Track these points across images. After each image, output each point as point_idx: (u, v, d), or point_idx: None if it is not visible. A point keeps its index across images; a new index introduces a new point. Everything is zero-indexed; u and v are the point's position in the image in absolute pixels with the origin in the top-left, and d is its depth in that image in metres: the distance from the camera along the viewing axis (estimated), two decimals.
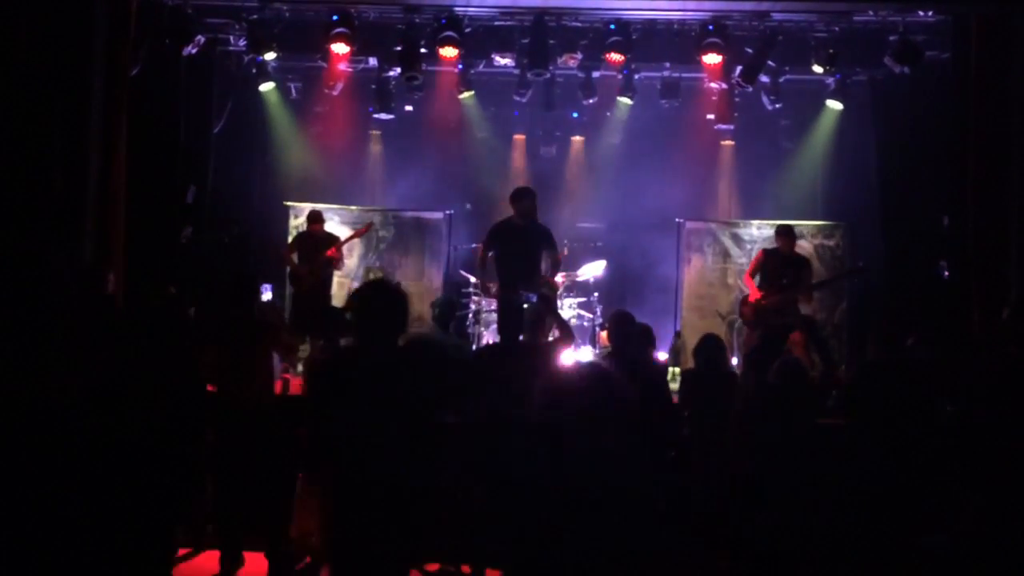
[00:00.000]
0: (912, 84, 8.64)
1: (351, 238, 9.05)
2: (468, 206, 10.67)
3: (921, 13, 8.36)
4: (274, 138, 10.58)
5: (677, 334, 9.54)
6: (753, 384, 5.02)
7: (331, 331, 5.62)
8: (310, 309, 7.95)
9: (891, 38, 8.45)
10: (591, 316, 9.03)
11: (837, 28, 8.65)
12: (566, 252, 8.90)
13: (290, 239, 9.42)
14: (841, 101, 9.55)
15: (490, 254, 7.44)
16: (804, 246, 9.61)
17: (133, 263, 7.86)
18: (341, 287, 9.74)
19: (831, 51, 8.70)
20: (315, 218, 8.85)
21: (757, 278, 7.97)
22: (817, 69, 8.90)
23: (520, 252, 7.49)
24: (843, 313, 9.61)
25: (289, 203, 10.10)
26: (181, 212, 8.97)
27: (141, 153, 8.02)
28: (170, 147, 8.75)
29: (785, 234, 8.05)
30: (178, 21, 8.49)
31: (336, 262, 8.73)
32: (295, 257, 8.74)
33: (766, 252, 8.13)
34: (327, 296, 8.73)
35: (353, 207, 10.36)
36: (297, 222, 9.87)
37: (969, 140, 7.84)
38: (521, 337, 5.32)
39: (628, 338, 5.26)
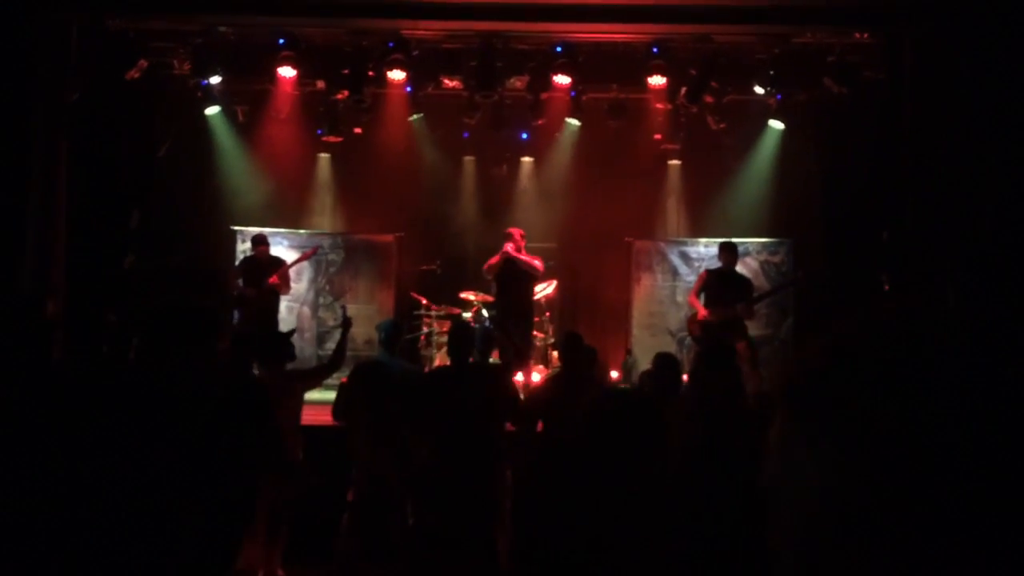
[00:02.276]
0: (851, 104, 8.87)
1: (297, 262, 8.96)
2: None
3: (857, 35, 8.60)
4: (221, 162, 10.44)
5: (628, 352, 9.61)
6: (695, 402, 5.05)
7: (277, 357, 5.57)
8: (256, 335, 7.84)
9: (829, 59, 8.69)
10: (543, 336, 9.05)
11: (777, 50, 8.84)
12: None
13: (237, 263, 9.32)
14: (783, 121, 9.74)
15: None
16: (750, 263, 9.78)
17: (75, 289, 7.71)
18: (290, 311, 9.66)
19: (772, 72, 8.90)
20: (259, 241, 8.75)
21: (702, 297, 8.14)
22: (758, 90, 9.10)
23: (514, 291, 7.58)
24: (789, 328, 9.78)
25: (236, 227, 9.99)
26: (124, 238, 8.83)
27: (83, 179, 7.89)
28: (113, 172, 8.61)
29: (728, 250, 8.23)
30: (121, 45, 8.39)
31: (280, 287, 8.61)
32: (240, 282, 8.63)
33: (709, 272, 8.35)
34: (274, 322, 8.63)
35: (302, 230, 10.28)
36: (245, 246, 9.76)
37: (906, 157, 8.07)
38: (471, 359, 5.31)
39: (578, 359, 5.35)
